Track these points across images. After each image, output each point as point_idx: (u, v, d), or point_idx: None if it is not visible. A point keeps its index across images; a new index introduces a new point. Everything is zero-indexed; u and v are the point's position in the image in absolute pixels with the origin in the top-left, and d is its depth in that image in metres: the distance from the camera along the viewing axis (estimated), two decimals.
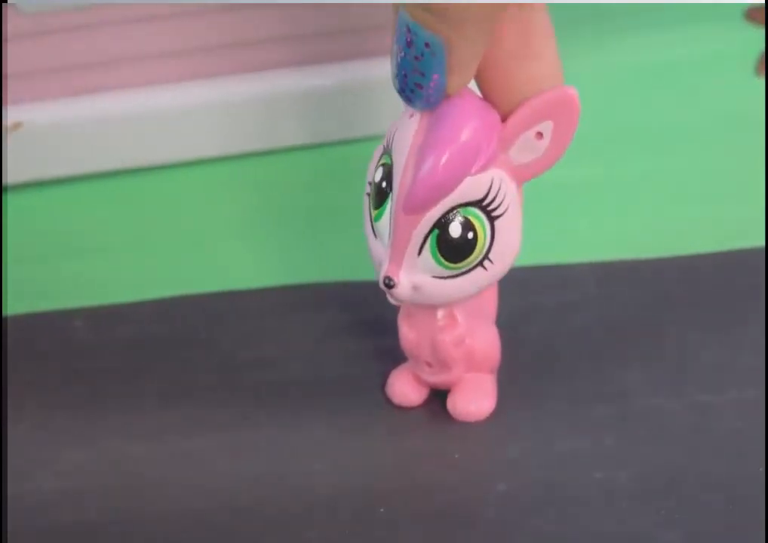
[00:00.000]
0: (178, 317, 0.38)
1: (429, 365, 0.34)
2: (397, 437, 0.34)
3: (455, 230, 0.31)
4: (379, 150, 0.32)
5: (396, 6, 0.29)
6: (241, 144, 0.43)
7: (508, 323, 0.37)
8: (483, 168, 0.30)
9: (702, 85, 0.45)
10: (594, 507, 0.32)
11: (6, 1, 0.39)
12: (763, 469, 0.32)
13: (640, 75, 0.46)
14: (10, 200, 0.42)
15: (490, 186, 0.30)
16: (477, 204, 0.31)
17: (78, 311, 0.38)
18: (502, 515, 0.32)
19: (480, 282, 0.32)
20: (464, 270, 0.31)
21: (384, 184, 0.31)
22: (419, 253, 0.31)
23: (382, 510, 0.32)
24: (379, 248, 0.32)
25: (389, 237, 0.31)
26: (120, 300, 0.38)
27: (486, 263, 0.31)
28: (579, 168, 0.42)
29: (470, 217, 0.31)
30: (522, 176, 0.31)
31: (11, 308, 0.38)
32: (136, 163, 0.42)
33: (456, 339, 0.33)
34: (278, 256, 0.40)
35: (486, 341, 0.34)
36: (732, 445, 0.33)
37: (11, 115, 0.41)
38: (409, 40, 0.29)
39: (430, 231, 0.31)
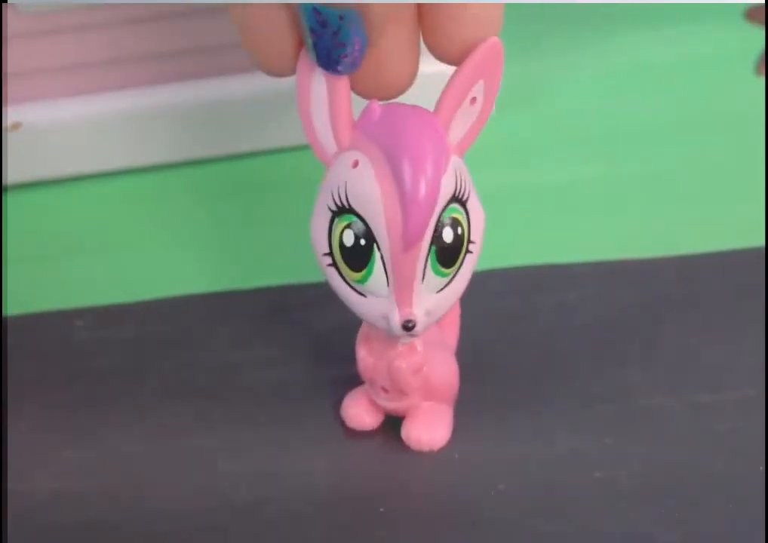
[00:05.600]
0: (178, 317, 0.38)
1: (385, 391, 0.33)
2: (397, 436, 0.34)
3: (448, 236, 0.30)
4: (320, 222, 0.30)
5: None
6: (244, 143, 0.43)
7: (508, 322, 0.37)
8: (447, 166, 0.29)
9: (702, 85, 0.45)
10: (594, 507, 0.32)
11: (6, 1, 0.39)
12: (763, 469, 0.32)
13: (640, 75, 0.46)
14: (10, 200, 0.42)
15: (455, 177, 0.30)
16: (452, 200, 0.30)
17: (78, 311, 0.38)
18: (502, 515, 0.32)
19: (469, 269, 0.31)
20: (458, 267, 0.31)
21: (362, 242, 0.30)
22: (423, 278, 0.30)
23: (382, 510, 0.32)
24: (375, 303, 0.30)
25: (390, 284, 0.30)
26: (120, 300, 0.38)
27: (470, 247, 0.30)
28: (579, 168, 0.42)
29: (452, 215, 0.30)
30: (464, 146, 0.31)
31: (11, 308, 0.38)
32: (136, 163, 0.42)
33: (413, 366, 0.32)
34: (277, 256, 0.40)
35: (445, 371, 0.33)
36: (732, 445, 0.33)
37: (11, 115, 0.41)
38: (321, 21, 0.28)
39: (428, 252, 0.30)
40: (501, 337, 0.36)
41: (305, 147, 0.43)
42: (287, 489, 0.33)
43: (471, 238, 0.30)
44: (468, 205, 0.30)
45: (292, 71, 0.30)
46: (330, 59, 0.29)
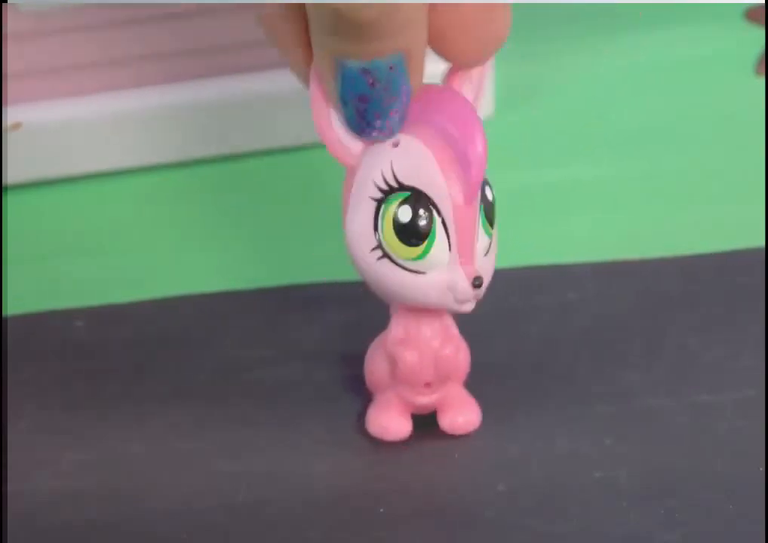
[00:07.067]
0: (178, 317, 0.38)
1: (428, 385, 0.33)
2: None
3: (489, 193, 0.31)
4: (360, 219, 0.31)
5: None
6: (244, 142, 0.43)
7: (508, 323, 0.37)
8: None
9: (702, 85, 0.45)
10: (594, 507, 0.32)
11: (6, 1, 0.39)
12: (763, 469, 0.32)
13: (639, 75, 0.46)
14: (10, 200, 0.42)
15: None
16: None
17: (78, 311, 0.38)
18: (502, 515, 0.32)
19: (496, 234, 0.32)
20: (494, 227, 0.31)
21: (421, 211, 0.30)
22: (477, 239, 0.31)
23: (382, 510, 0.32)
24: (436, 275, 0.31)
25: (452, 247, 0.30)
26: (120, 300, 0.38)
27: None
28: (579, 168, 0.42)
29: (485, 176, 0.31)
30: None
31: (11, 308, 0.38)
32: (136, 163, 0.42)
33: (456, 349, 0.33)
34: (277, 256, 0.40)
35: (465, 347, 0.33)
36: (732, 445, 0.33)
37: (11, 115, 0.41)
38: (371, 82, 0.28)
39: (480, 211, 0.31)
40: (501, 337, 0.36)
41: (306, 147, 0.43)
42: (287, 490, 0.33)
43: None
44: None
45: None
46: (380, 121, 0.29)
